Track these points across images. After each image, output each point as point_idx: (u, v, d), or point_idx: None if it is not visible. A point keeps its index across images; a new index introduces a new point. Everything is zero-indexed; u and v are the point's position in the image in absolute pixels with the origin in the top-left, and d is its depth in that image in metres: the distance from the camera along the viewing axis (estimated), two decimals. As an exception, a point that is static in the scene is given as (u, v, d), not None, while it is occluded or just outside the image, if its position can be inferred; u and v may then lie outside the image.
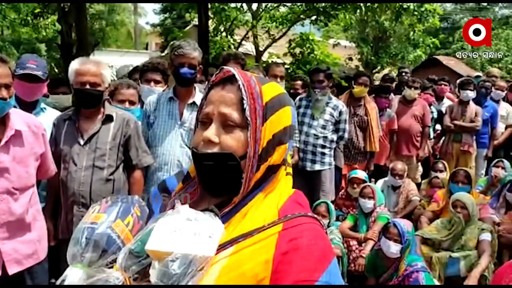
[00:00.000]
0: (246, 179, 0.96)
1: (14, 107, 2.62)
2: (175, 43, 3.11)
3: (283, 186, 1.03)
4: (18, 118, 2.35)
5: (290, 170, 1.08)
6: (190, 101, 3.03)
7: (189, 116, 3.01)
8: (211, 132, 0.96)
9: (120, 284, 0.96)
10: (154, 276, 0.87)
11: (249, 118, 0.95)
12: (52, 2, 12.68)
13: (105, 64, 2.82)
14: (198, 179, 1.04)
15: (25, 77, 2.89)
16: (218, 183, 0.99)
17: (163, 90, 3.46)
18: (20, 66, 2.92)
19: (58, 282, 1.02)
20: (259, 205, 0.98)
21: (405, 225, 3.43)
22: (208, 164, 0.97)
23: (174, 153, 2.97)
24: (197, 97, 3.05)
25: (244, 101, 0.95)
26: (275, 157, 1.00)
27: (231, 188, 0.98)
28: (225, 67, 1.01)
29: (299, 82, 5.30)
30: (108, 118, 2.72)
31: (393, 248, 3.33)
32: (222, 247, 0.91)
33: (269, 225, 0.94)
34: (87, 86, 2.62)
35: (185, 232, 0.89)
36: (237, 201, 0.97)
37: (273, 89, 1.01)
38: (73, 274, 1.01)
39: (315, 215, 1.01)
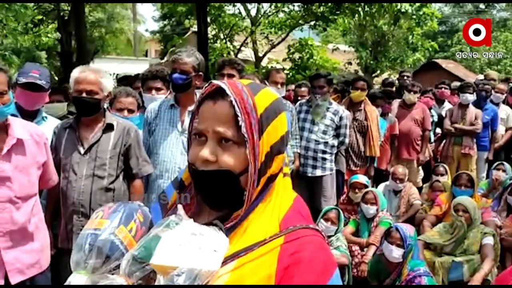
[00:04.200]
0: (248, 195, 0.95)
1: (15, 115, 2.62)
2: (175, 50, 3.10)
3: (282, 192, 1.01)
4: (19, 126, 2.35)
5: (287, 170, 1.06)
6: (191, 108, 3.01)
7: (190, 124, 2.99)
8: (207, 152, 0.94)
9: None
10: None
11: (246, 135, 0.93)
12: (56, 2, 12.73)
13: (105, 72, 2.80)
14: (195, 191, 1.03)
15: (28, 86, 2.88)
16: (217, 198, 0.98)
17: (166, 97, 3.46)
18: (23, 75, 2.91)
19: None
20: (260, 217, 0.96)
21: (408, 229, 3.41)
22: (207, 181, 0.96)
23: (175, 161, 2.96)
24: None
25: (239, 118, 0.93)
26: (274, 168, 0.99)
27: (230, 202, 0.97)
28: (213, 81, 0.99)
29: (305, 89, 5.27)
30: (109, 127, 2.70)
31: (395, 253, 3.31)
32: (223, 262, 0.91)
33: (271, 238, 0.93)
34: (84, 94, 2.59)
35: (190, 247, 0.89)
36: (239, 217, 0.96)
37: (266, 98, 0.98)
38: (77, 280, 1.02)
39: (316, 227, 1.00)
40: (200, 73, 3.02)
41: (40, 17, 12.77)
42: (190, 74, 2.93)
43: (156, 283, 0.88)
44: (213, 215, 1.00)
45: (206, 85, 1.00)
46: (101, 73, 2.70)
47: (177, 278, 0.85)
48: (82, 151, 2.65)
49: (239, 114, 0.93)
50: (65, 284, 1.03)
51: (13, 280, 2.26)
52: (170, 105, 3.05)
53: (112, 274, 1.02)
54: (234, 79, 0.96)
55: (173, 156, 2.96)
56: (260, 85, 1.03)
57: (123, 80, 4.22)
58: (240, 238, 0.94)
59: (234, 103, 0.93)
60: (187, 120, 3.00)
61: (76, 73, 2.65)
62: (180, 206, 0.98)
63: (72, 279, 1.03)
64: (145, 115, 3.14)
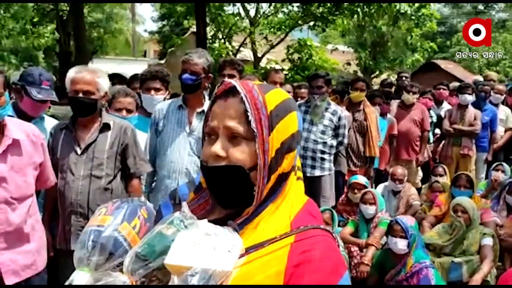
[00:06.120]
0: (258, 191, 0.95)
1: (11, 116, 2.60)
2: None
3: (295, 194, 1.02)
4: (16, 127, 2.32)
5: (300, 174, 1.07)
6: (200, 109, 3.03)
7: (198, 125, 3.00)
8: (218, 147, 0.95)
9: None
10: None
11: (255, 130, 0.94)
12: (54, 2, 12.73)
13: (103, 72, 2.78)
14: (209, 190, 1.04)
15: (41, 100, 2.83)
16: (228, 195, 0.98)
17: (164, 98, 3.46)
18: (34, 87, 2.80)
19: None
20: (271, 215, 0.97)
21: (407, 220, 3.54)
22: (218, 178, 0.96)
23: (183, 161, 2.96)
24: (207, 105, 3.04)
25: (248, 113, 0.95)
26: (284, 165, 0.99)
27: (241, 199, 0.97)
28: (226, 79, 1.01)
29: (305, 90, 5.28)
30: (105, 127, 2.69)
31: (400, 244, 3.40)
32: None
33: (281, 237, 0.93)
34: (80, 95, 2.58)
35: (204, 247, 0.89)
36: (249, 213, 0.96)
37: (277, 96, 1.00)
38: (80, 277, 1.01)
39: (328, 228, 1.00)
40: (210, 74, 3.04)
41: (37, 18, 12.78)
42: (200, 75, 2.96)
43: (170, 283, 0.88)
44: (224, 213, 1.00)
45: (219, 84, 1.01)
46: (98, 73, 2.68)
47: (191, 278, 0.85)
48: (79, 152, 2.63)
49: (248, 109, 0.95)
50: (67, 281, 1.02)
51: (8, 282, 2.23)
52: (178, 106, 3.05)
53: (115, 271, 1.01)
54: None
55: (181, 157, 2.97)
56: (272, 86, 1.05)
57: (134, 81, 4.20)
58: (251, 234, 0.94)
59: (244, 99, 0.95)
60: (195, 121, 3.01)
61: (72, 73, 2.63)
62: (184, 203, 0.98)
63: (75, 276, 1.02)
64: (153, 116, 3.15)
